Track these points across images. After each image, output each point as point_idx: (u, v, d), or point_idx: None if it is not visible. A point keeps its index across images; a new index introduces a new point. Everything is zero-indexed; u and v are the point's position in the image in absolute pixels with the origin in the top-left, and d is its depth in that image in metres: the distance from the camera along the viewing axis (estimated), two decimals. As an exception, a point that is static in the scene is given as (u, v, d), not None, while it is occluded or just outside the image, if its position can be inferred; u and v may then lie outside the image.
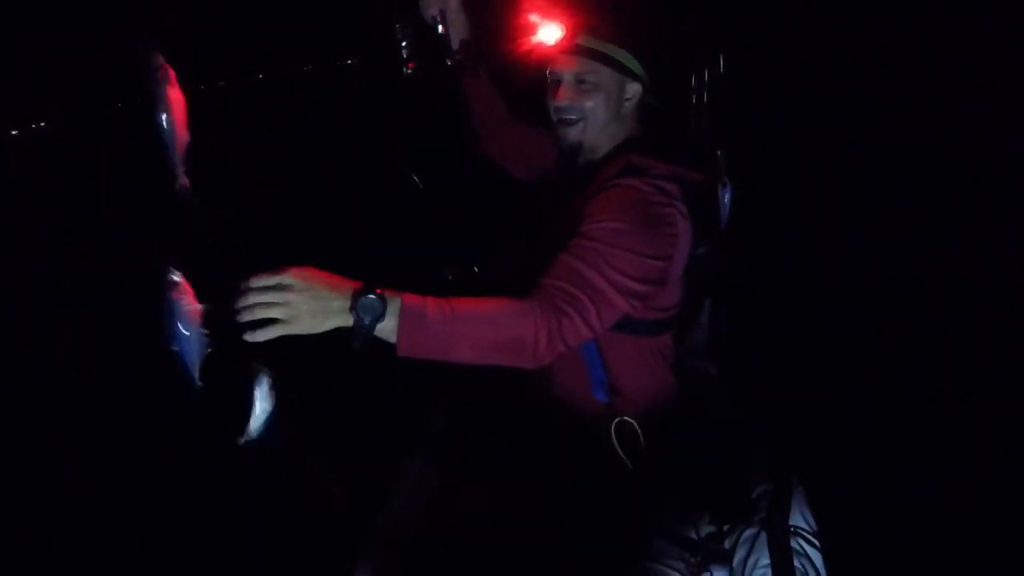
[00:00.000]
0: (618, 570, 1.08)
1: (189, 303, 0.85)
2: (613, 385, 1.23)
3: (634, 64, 1.21)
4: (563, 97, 1.21)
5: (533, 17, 1.32)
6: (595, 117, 1.21)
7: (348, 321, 0.89)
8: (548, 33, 1.30)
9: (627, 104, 1.24)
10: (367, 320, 0.88)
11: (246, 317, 0.87)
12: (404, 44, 1.36)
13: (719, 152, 1.28)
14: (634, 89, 1.23)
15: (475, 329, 0.97)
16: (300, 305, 0.87)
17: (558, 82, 1.23)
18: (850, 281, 2.60)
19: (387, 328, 0.91)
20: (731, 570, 1.06)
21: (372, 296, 0.89)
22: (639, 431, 1.19)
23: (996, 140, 2.54)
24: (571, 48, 1.21)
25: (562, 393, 1.30)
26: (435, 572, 1.24)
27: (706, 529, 1.14)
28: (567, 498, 1.21)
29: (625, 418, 1.20)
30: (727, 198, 1.30)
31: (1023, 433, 1.81)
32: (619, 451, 1.19)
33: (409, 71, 1.36)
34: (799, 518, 1.06)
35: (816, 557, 1.02)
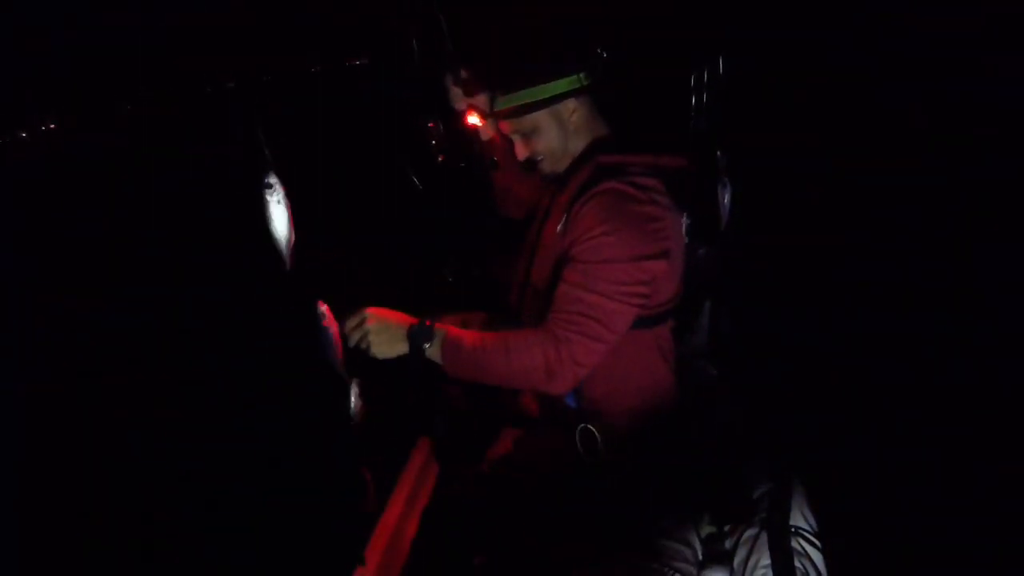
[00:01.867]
0: (619, 570, 1.08)
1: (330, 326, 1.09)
2: (595, 385, 1.22)
3: (552, 87, 1.19)
4: (518, 154, 1.29)
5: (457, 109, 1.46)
6: (551, 152, 1.25)
7: (406, 344, 1.14)
8: (472, 121, 1.45)
9: (574, 118, 1.23)
10: (419, 345, 1.13)
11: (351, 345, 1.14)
12: (436, 139, 1.52)
13: (719, 153, 1.28)
14: (571, 105, 1.21)
15: (495, 358, 1.13)
16: (376, 337, 1.14)
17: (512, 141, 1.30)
18: (850, 281, 2.61)
19: (434, 352, 1.15)
20: (732, 570, 1.06)
21: (422, 326, 1.14)
22: (599, 438, 1.19)
23: (997, 139, 2.55)
24: (493, 118, 1.28)
25: (538, 399, 1.32)
26: (434, 572, 1.24)
27: (707, 529, 1.14)
28: (566, 496, 1.21)
29: (587, 426, 1.20)
30: (727, 198, 1.30)
31: (1022, 432, 1.81)
32: (583, 457, 1.20)
33: (441, 160, 1.53)
34: (800, 518, 1.06)
35: (817, 557, 1.02)
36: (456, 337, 1.15)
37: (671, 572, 1.04)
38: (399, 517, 1.46)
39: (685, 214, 1.23)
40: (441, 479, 1.48)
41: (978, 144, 2.63)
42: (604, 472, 1.20)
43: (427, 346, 1.14)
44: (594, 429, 1.20)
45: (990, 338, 2.17)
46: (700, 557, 1.10)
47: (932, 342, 2.21)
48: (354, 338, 1.14)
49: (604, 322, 1.10)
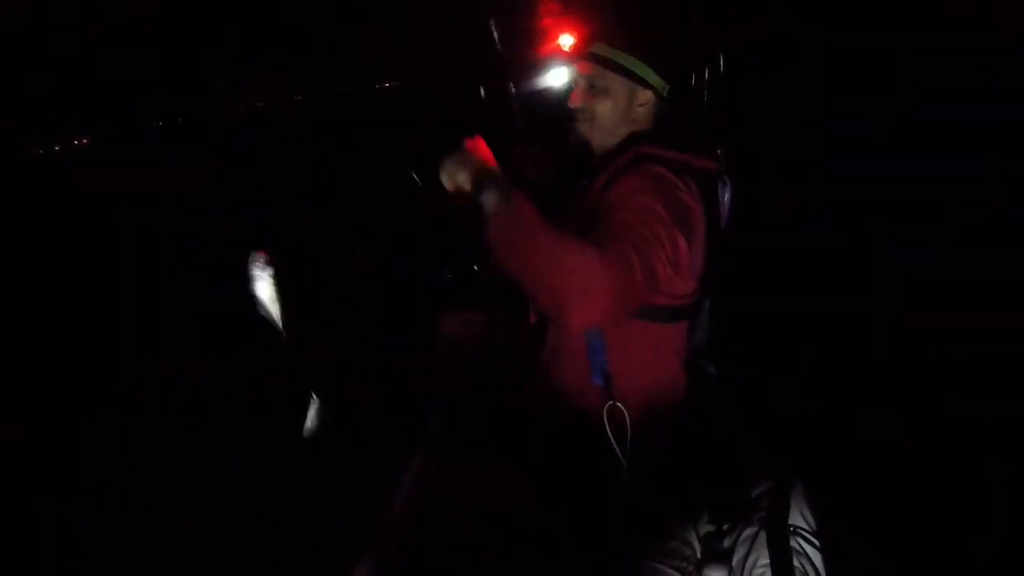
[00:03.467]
0: (618, 569, 1.08)
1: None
2: (613, 370, 1.23)
3: (648, 73, 1.25)
4: (575, 99, 1.29)
5: (552, 24, 1.46)
6: (602, 119, 1.28)
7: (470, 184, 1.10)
8: (563, 41, 1.44)
9: (639, 110, 1.28)
10: (483, 185, 1.04)
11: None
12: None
13: (719, 151, 1.29)
14: (646, 96, 1.27)
15: (548, 239, 0.99)
16: (452, 163, 1.13)
17: (575, 85, 1.31)
18: (851, 280, 2.60)
19: (491, 199, 1.03)
20: (730, 569, 1.06)
21: (499, 175, 1.08)
22: (626, 414, 1.18)
23: (998, 139, 2.55)
24: (584, 54, 1.28)
25: (563, 377, 1.31)
26: (435, 571, 1.24)
27: (706, 528, 1.14)
28: (566, 494, 1.21)
29: (616, 403, 1.19)
30: (727, 197, 1.30)
31: (1022, 432, 1.81)
32: (609, 435, 1.18)
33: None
34: (799, 517, 1.06)
35: (815, 556, 1.02)
36: (522, 198, 1.06)
37: (670, 571, 1.04)
38: (400, 517, 1.46)
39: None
40: (442, 477, 1.48)
41: (985, 142, 2.63)
42: (621, 454, 1.20)
43: (489, 190, 1.05)
44: (622, 406, 1.19)
45: (992, 338, 2.17)
46: (699, 556, 1.10)
47: (932, 341, 2.21)
48: (451, 165, 1.14)
49: (639, 247, 1.02)
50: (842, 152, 2.76)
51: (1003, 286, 2.35)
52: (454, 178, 1.12)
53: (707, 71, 1.75)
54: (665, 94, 1.28)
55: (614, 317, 1.01)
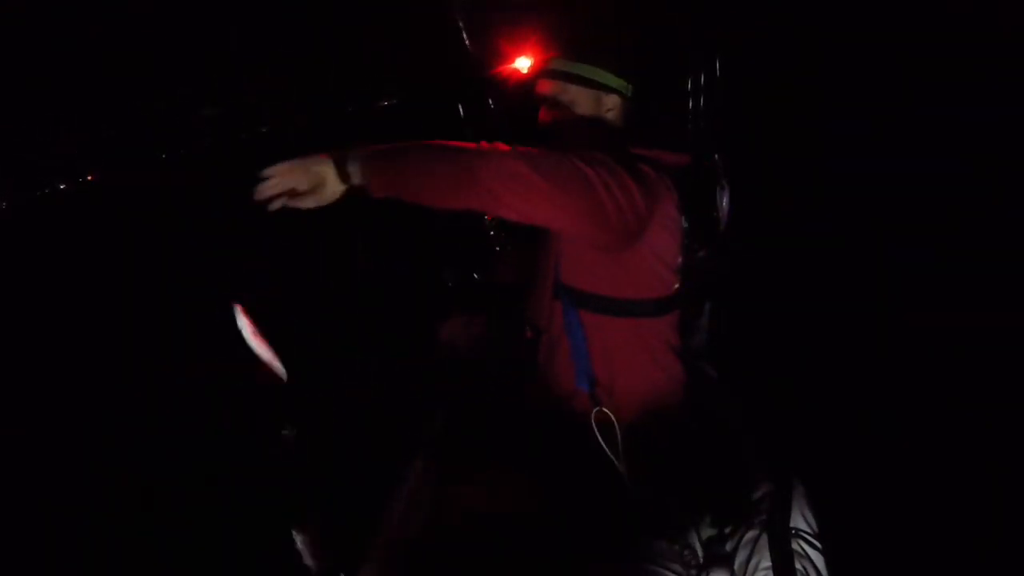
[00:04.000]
0: (620, 571, 1.08)
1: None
2: (598, 374, 1.22)
3: (607, 78, 1.24)
4: (541, 117, 1.30)
5: (508, 49, 1.48)
6: (573, 131, 1.27)
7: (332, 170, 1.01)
8: (520, 64, 1.46)
9: (608, 114, 1.27)
10: (339, 160, 1.00)
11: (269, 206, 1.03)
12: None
13: (717, 155, 1.28)
14: (612, 101, 1.26)
15: (457, 148, 1.00)
16: (302, 161, 1.01)
17: (541, 103, 1.31)
18: (850, 280, 2.60)
19: (356, 161, 1.00)
20: (732, 573, 1.06)
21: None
22: (615, 421, 1.17)
23: (998, 139, 2.55)
24: (541, 73, 1.29)
25: (557, 381, 1.30)
26: (436, 571, 1.24)
27: (707, 531, 1.14)
28: (568, 496, 1.21)
29: (603, 409, 1.19)
30: (725, 201, 1.30)
31: (1022, 432, 1.81)
32: (600, 441, 1.18)
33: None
34: (800, 520, 1.06)
35: (817, 559, 1.02)
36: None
37: (672, 574, 1.04)
38: (400, 518, 1.46)
39: (683, 216, 1.22)
40: (442, 478, 1.48)
41: (985, 142, 2.63)
42: (616, 467, 1.19)
43: (347, 156, 1.00)
44: (609, 411, 1.18)
45: (992, 338, 2.17)
46: (701, 559, 1.10)
47: (932, 341, 2.21)
48: (269, 192, 1.01)
49: (588, 162, 1.01)
50: (842, 152, 2.75)
51: (1003, 286, 2.35)
52: (300, 174, 1.01)
53: (703, 72, 1.74)
54: (629, 94, 1.27)
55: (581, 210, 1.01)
